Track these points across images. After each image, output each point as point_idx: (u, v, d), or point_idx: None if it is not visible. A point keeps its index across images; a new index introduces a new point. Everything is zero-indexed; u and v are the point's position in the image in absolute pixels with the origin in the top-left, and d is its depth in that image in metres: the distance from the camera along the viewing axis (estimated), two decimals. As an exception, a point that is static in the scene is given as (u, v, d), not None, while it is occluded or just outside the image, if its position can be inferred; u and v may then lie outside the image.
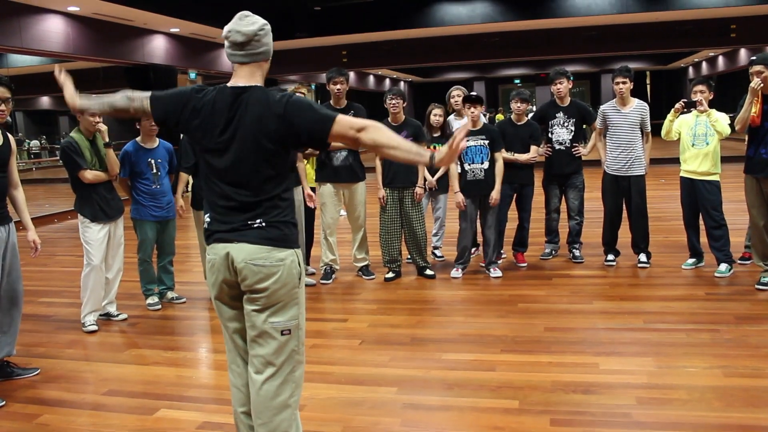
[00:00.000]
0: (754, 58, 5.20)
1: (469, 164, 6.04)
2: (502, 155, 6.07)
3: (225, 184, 2.59)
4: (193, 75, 16.33)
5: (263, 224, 2.56)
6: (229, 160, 2.56)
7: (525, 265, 6.50)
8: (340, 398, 3.73)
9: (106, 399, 3.90)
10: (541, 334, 4.60)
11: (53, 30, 11.14)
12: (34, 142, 27.59)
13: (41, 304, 5.91)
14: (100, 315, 5.39)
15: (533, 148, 6.32)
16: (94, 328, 5.19)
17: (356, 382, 3.93)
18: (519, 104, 6.35)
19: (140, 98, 2.72)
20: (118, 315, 5.46)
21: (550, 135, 6.49)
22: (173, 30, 13.84)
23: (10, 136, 4.20)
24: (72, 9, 11.12)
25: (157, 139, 5.65)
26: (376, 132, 2.50)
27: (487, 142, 6.00)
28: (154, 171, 5.52)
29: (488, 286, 5.94)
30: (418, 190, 6.17)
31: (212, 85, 2.68)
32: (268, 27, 2.65)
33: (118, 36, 12.67)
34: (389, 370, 4.09)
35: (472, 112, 5.97)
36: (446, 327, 4.93)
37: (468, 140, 6.00)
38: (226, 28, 2.59)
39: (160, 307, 5.73)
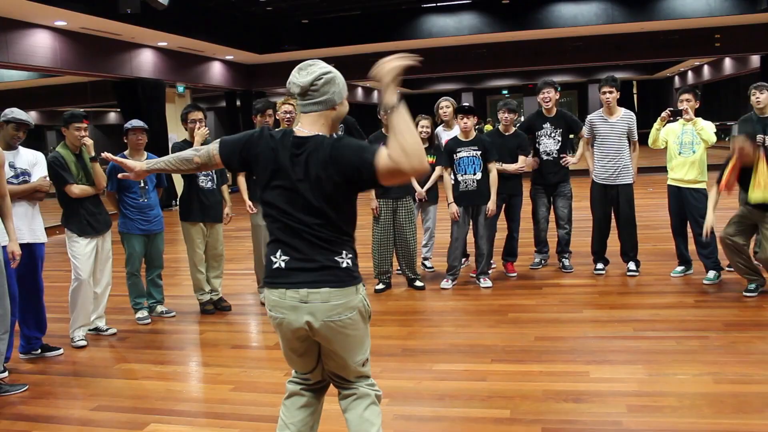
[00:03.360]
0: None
1: (462, 175, 6.06)
2: (495, 165, 6.09)
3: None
4: (181, 88, 16.32)
5: None
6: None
7: (515, 274, 6.51)
8: (331, 410, 3.68)
9: (96, 414, 3.87)
10: (532, 343, 4.61)
11: (40, 45, 11.11)
12: None
13: (56, 321, 5.86)
14: (89, 330, 5.36)
15: (521, 158, 6.35)
16: (83, 343, 5.16)
17: (347, 393, 3.92)
18: (506, 114, 6.38)
19: (207, 149, 2.71)
20: (107, 329, 5.42)
21: (537, 145, 6.52)
22: (161, 44, 13.83)
23: None
24: (59, 24, 11.10)
25: (145, 152, 5.63)
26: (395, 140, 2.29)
27: (479, 152, 6.02)
28: (142, 185, 5.51)
29: (478, 296, 5.95)
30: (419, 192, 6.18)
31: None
32: (331, 75, 2.63)
33: (106, 50, 12.64)
34: (380, 382, 4.00)
35: (465, 123, 6.00)
36: (437, 338, 4.93)
37: (460, 151, 6.04)
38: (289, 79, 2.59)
39: (149, 321, 5.70)
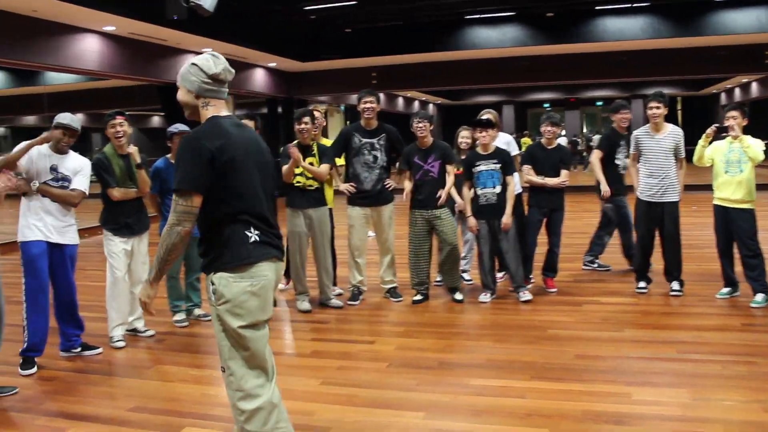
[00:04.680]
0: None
1: (481, 189, 5.99)
2: (513, 179, 6.02)
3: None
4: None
5: None
6: None
7: (555, 290, 6.40)
8: (366, 422, 3.68)
9: (131, 415, 3.89)
10: (572, 361, 4.51)
11: (89, 49, 11.33)
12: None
13: (94, 320, 5.93)
14: (128, 330, 5.40)
15: (563, 172, 6.27)
16: (122, 344, 5.21)
17: (383, 405, 3.88)
18: (549, 128, 6.30)
19: None
20: (145, 331, 5.47)
21: (616, 161, 6.68)
22: (206, 50, 13.89)
23: None
24: (108, 29, 11.31)
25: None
26: None
27: (499, 166, 5.96)
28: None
29: (517, 311, 5.86)
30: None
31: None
32: None
33: (152, 55, 12.85)
34: (416, 395, 4.03)
35: (483, 137, 5.95)
36: (474, 352, 4.86)
37: (479, 165, 5.97)
38: (219, 66, 2.83)
39: (187, 324, 5.73)
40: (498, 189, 5.97)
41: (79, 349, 5.04)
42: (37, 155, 4.64)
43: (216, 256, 2.73)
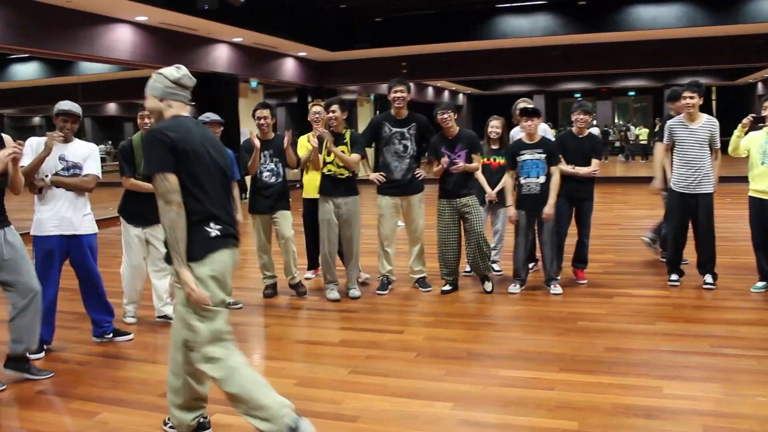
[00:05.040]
0: None
1: (525, 178, 5.95)
2: (559, 169, 5.95)
3: None
4: (254, 84, 16.56)
5: None
6: None
7: (585, 282, 6.34)
8: (395, 411, 3.68)
9: (163, 401, 3.91)
10: (602, 354, 4.47)
11: (122, 39, 11.45)
12: (101, 147, 28.75)
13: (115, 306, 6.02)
14: (158, 317, 5.48)
15: (594, 161, 6.19)
16: (133, 320, 5.48)
17: (411, 395, 3.88)
18: (582, 116, 6.22)
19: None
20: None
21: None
22: (236, 39, 14.07)
23: (6, 137, 4.23)
24: (140, 19, 11.41)
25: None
26: None
27: (543, 156, 5.90)
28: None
29: (547, 302, 5.82)
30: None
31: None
32: None
33: (183, 45, 12.94)
34: (445, 385, 4.02)
35: (528, 125, 5.90)
36: (503, 343, 4.84)
37: (523, 154, 5.93)
38: (181, 73, 3.17)
39: (216, 311, 5.77)
40: (541, 179, 5.92)
41: (111, 335, 5.12)
42: (38, 147, 4.62)
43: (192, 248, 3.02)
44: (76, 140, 4.89)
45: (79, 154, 4.83)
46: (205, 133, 3.20)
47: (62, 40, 10.36)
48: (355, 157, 5.95)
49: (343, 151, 5.89)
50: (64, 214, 4.71)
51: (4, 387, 4.16)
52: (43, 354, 4.76)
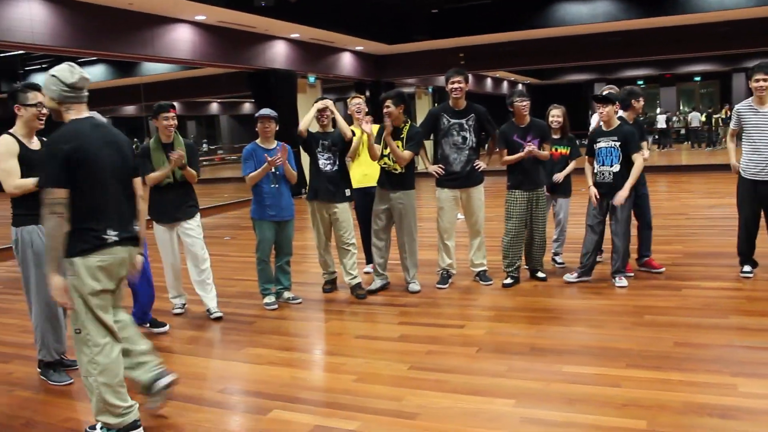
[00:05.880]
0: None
1: (600, 166, 5.81)
2: (640, 156, 5.76)
3: None
4: (312, 79, 16.64)
5: None
6: None
7: (662, 270, 6.19)
8: (456, 408, 3.61)
9: (222, 396, 3.96)
10: (671, 349, 4.29)
11: (182, 39, 11.64)
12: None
13: (165, 300, 6.10)
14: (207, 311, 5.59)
15: (644, 144, 6.05)
16: (180, 311, 5.70)
17: (472, 392, 3.80)
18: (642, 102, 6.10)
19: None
20: (214, 312, 5.58)
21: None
22: (293, 35, 14.15)
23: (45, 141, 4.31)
24: (199, 18, 11.58)
25: (275, 140, 5.74)
26: None
27: (618, 143, 5.72)
28: (273, 170, 5.60)
29: (612, 295, 5.64)
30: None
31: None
32: None
33: (241, 42, 13.09)
34: (507, 381, 3.93)
35: (600, 112, 5.75)
36: (567, 337, 4.70)
37: (600, 141, 5.79)
38: (76, 76, 3.23)
39: (276, 306, 5.81)
40: (615, 167, 5.75)
41: (148, 325, 5.30)
42: None
43: (73, 245, 3.18)
44: None
45: None
46: (106, 135, 3.33)
47: (125, 41, 10.60)
48: (407, 154, 5.87)
49: (397, 146, 5.84)
50: None
51: (71, 381, 4.27)
52: None
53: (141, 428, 3.39)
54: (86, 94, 3.32)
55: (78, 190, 3.16)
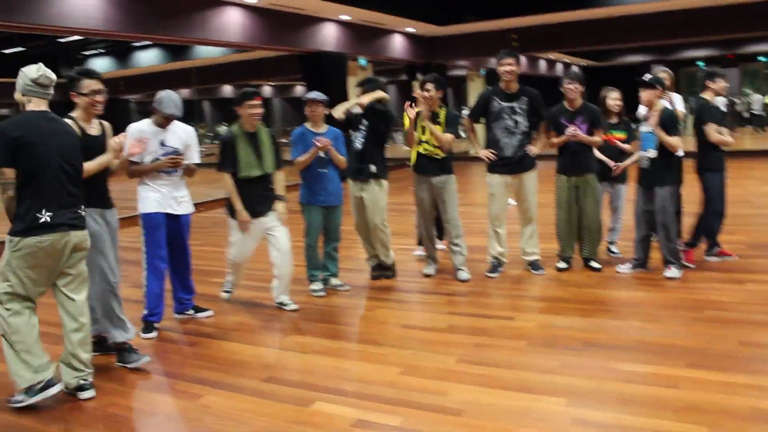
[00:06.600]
0: None
1: (643, 152, 5.58)
2: (675, 140, 5.46)
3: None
4: (363, 61, 16.52)
5: None
6: None
7: (730, 257, 5.98)
8: (503, 405, 3.47)
9: (265, 386, 3.90)
10: (736, 348, 4.04)
11: (232, 21, 11.63)
12: (224, 128, 31.14)
13: (212, 284, 6.10)
14: (277, 303, 5.44)
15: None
16: (226, 296, 5.64)
17: (521, 388, 3.64)
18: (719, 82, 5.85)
19: None
20: (288, 304, 5.42)
21: None
22: (344, 17, 14.03)
23: (106, 125, 4.30)
24: (249, 0, 11.54)
25: (325, 124, 5.64)
26: None
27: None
28: (321, 154, 5.50)
29: (670, 288, 5.38)
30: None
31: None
32: None
33: (292, 25, 13.03)
34: (558, 378, 3.76)
35: (641, 97, 5.54)
36: (622, 332, 4.49)
37: (641, 126, 5.59)
38: (38, 73, 3.62)
39: (324, 293, 5.73)
40: (651, 153, 5.52)
41: (192, 312, 5.26)
42: (140, 135, 4.71)
43: (15, 224, 3.59)
44: (176, 123, 4.94)
45: (178, 139, 4.92)
46: (55, 128, 3.69)
47: (177, 25, 10.64)
48: (449, 136, 5.79)
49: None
50: (166, 194, 4.87)
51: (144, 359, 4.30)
52: (155, 333, 4.88)
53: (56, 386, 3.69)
54: (50, 92, 3.72)
55: (21, 172, 3.56)
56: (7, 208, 3.62)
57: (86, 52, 19.19)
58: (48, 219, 3.58)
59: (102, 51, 18.98)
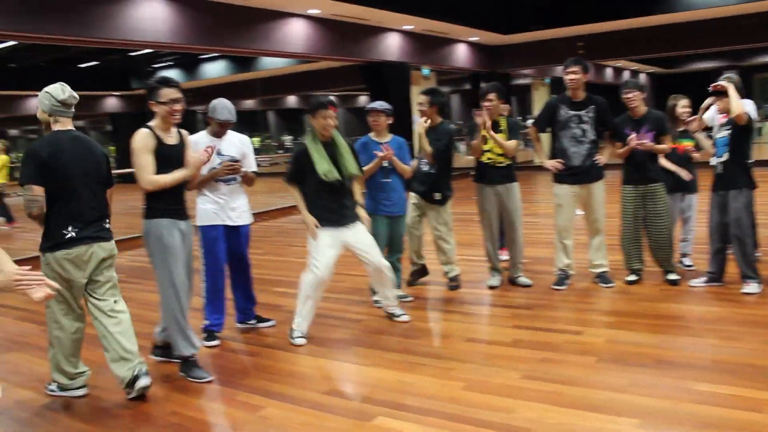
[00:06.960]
0: None
1: (717, 158, 5.39)
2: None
3: None
4: (426, 71, 16.47)
5: None
6: None
7: None
8: (572, 425, 3.33)
9: (326, 399, 3.86)
10: (822, 369, 3.82)
11: (296, 32, 11.75)
12: (288, 138, 33.13)
13: (275, 294, 6.13)
14: (386, 312, 5.35)
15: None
16: (302, 341, 4.90)
17: (590, 407, 3.50)
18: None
19: None
20: (401, 315, 5.29)
21: None
22: (406, 27, 14.01)
23: (185, 134, 4.30)
24: (312, 12, 11.64)
25: (390, 134, 5.61)
26: None
27: (728, 133, 5.26)
28: (385, 164, 5.46)
29: (748, 304, 5.11)
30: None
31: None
32: None
33: (354, 35, 13.08)
34: (629, 397, 3.60)
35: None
36: (698, 350, 4.28)
37: (718, 132, 5.41)
38: (66, 94, 3.79)
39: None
40: (723, 157, 5.31)
41: (253, 321, 5.28)
42: (196, 146, 4.69)
43: (45, 242, 3.80)
44: (230, 133, 4.98)
45: (234, 148, 4.94)
46: (80, 149, 3.85)
47: (242, 37, 10.81)
48: (513, 143, 5.76)
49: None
50: (225, 206, 4.89)
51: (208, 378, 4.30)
52: (217, 341, 4.90)
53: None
54: (73, 111, 3.87)
55: (48, 190, 3.73)
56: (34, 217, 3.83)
57: (156, 65, 19.71)
58: (74, 234, 3.78)
59: (170, 63, 19.46)
